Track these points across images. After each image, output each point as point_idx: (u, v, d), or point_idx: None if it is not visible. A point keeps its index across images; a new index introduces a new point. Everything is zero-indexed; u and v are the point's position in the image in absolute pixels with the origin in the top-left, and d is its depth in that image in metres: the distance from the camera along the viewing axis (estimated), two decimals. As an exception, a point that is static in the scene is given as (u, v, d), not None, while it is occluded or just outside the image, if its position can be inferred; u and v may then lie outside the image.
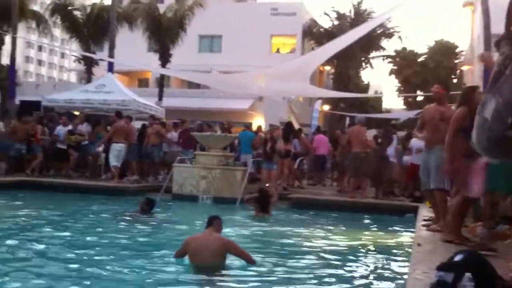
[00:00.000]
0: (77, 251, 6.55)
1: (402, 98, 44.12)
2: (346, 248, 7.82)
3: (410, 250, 6.30)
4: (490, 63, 3.86)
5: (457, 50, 41.69)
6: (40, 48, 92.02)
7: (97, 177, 15.14)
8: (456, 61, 40.73)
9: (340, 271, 6.14)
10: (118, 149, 13.90)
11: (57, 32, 45.47)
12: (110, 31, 21.87)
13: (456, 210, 5.64)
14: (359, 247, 7.93)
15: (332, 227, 9.82)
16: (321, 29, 37.69)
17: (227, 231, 7.11)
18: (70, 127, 15.39)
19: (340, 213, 11.43)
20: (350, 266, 6.51)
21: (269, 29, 36.31)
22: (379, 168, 12.88)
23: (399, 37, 39.57)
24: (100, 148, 15.39)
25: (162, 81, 27.65)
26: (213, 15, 32.21)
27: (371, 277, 5.98)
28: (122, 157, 14.14)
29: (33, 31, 30.21)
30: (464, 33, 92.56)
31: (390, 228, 9.92)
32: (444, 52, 41.29)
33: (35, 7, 29.72)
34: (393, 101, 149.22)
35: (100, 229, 8.42)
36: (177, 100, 28.37)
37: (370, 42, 36.35)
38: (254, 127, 18.57)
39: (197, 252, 5.66)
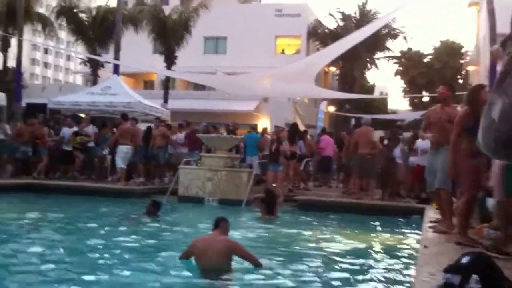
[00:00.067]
0: (83, 254, 6.57)
1: (408, 99, 43.98)
2: (352, 250, 7.79)
3: (416, 252, 6.27)
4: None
5: (462, 51, 41.44)
6: (46, 51, 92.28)
7: (103, 179, 15.18)
8: (462, 61, 40.51)
9: (346, 274, 6.11)
10: (124, 151, 13.92)
11: (63, 34, 45.79)
12: (115, 33, 21.96)
13: (461, 212, 5.62)
14: (365, 249, 7.90)
15: (338, 229, 9.81)
16: (326, 30, 37.61)
17: (232, 233, 7.09)
18: (75, 128, 15.42)
19: (346, 215, 11.41)
20: (357, 268, 6.49)
21: (274, 30, 36.28)
22: (385, 169, 12.85)
23: (405, 38, 39.45)
24: (106, 151, 15.43)
25: (167, 83, 27.73)
26: (217, 17, 32.20)
27: (378, 279, 5.95)
28: (128, 159, 14.18)
29: (39, 33, 30.45)
30: (469, 33, 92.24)
31: (396, 230, 9.87)
32: (450, 53, 41.07)
33: (41, 10, 29.86)
34: (398, 102, 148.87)
35: (106, 231, 8.43)
36: (182, 102, 28.44)
37: (375, 43, 36.21)
38: (260, 129, 18.56)
39: (202, 254, 5.65)
